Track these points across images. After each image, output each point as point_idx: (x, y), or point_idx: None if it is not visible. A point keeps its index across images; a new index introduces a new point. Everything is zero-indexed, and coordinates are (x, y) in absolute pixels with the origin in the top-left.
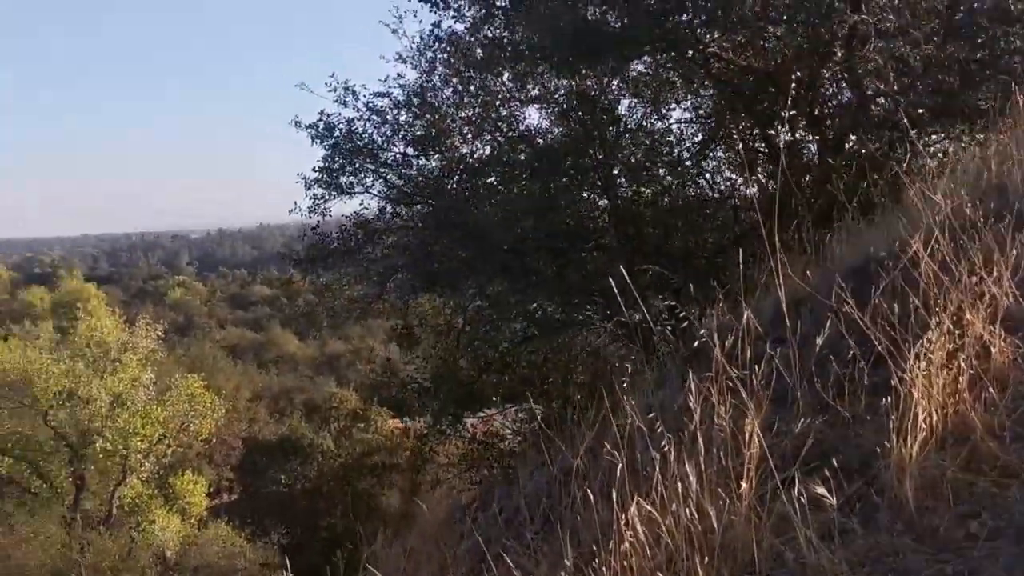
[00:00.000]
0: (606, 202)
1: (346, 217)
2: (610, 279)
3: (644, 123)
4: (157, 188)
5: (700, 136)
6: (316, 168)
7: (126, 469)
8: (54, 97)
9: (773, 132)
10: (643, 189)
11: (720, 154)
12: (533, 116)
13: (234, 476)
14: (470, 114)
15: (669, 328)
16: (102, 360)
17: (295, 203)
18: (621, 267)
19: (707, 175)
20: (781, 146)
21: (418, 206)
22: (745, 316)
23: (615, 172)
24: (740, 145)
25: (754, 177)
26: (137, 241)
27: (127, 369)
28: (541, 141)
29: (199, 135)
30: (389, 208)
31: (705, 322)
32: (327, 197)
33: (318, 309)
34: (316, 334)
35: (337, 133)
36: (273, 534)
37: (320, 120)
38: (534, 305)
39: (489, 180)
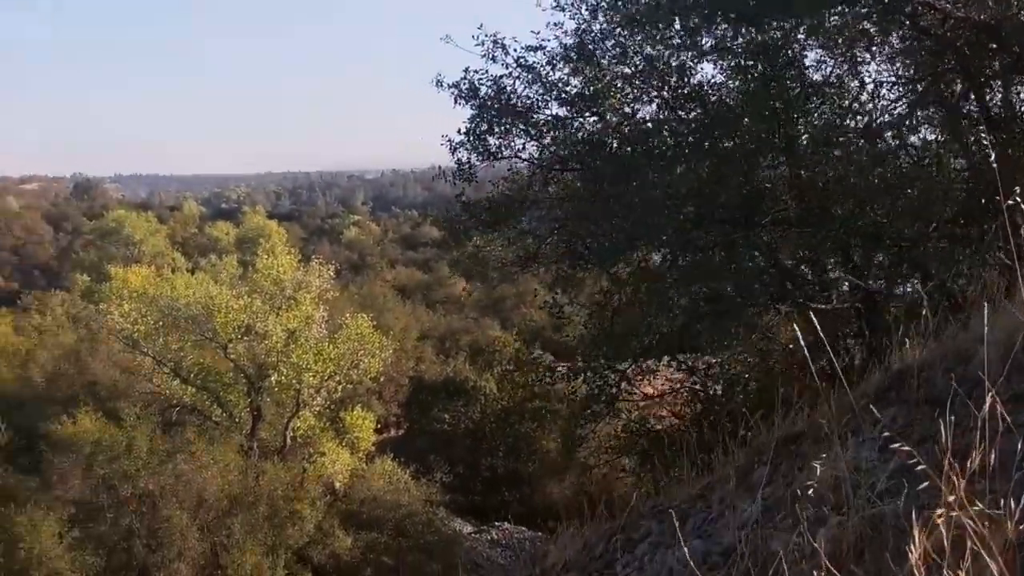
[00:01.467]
0: (786, 169)
1: (493, 184)
2: (787, 256)
3: (834, 79)
4: (337, 129)
5: (900, 97)
6: (462, 130)
7: (299, 402)
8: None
9: (989, 95)
10: (831, 156)
11: (923, 119)
12: (706, 69)
13: (401, 413)
14: (634, 69)
15: (856, 316)
16: (278, 297)
17: (439, 168)
18: (802, 244)
19: (909, 145)
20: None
21: (572, 172)
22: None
23: (799, 134)
24: (948, 110)
25: (970, 146)
26: (316, 180)
27: (301, 307)
28: (714, 97)
29: (373, 77)
30: (540, 174)
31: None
32: (473, 162)
33: (472, 272)
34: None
35: (483, 92)
36: (436, 472)
37: (464, 79)
38: (697, 285)
39: (652, 145)
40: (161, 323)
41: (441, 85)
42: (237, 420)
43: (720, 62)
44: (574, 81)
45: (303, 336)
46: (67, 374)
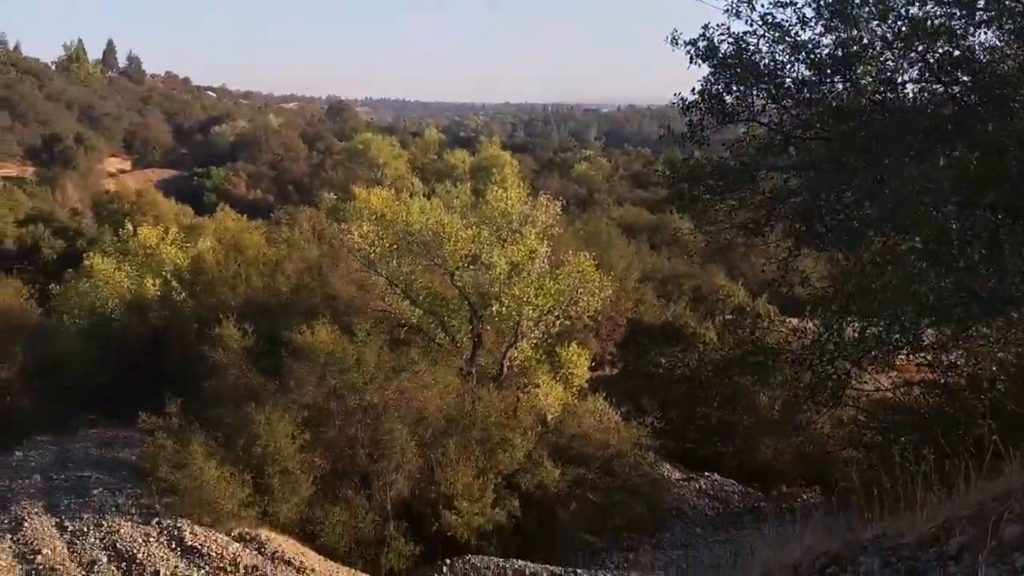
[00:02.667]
0: None
1: (725, 146)
2: None
3: None
4: (574, 61)
5: None
6: (696, 90)
7: (518, 333)
8: None
9: None
10: None
11: None
12: (980, 35)
13: (616, 352)
14: (895, 31)
15: None
16: (504, 229)
17: (668, 128)
18: None
19: None
20: None
21: (814, 141)
22: None
23: None
24: None
25: None
26: (552, 112)
27: (526, 240)
28: (986, 63)
29: (617, 12)
30: (779, 139)
31: None
32: (705, 125)
33: (697, 234)
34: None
35: (723, 51)
36: (648, 415)
37: (702, 36)
38: (951, 279)
39: (910, 119)
40: (395, 246)
41: (676, 43)
42: (459, 344)
43: (998, 26)
44: (826, 41)
45: (526, 269)
46: (309, 286)
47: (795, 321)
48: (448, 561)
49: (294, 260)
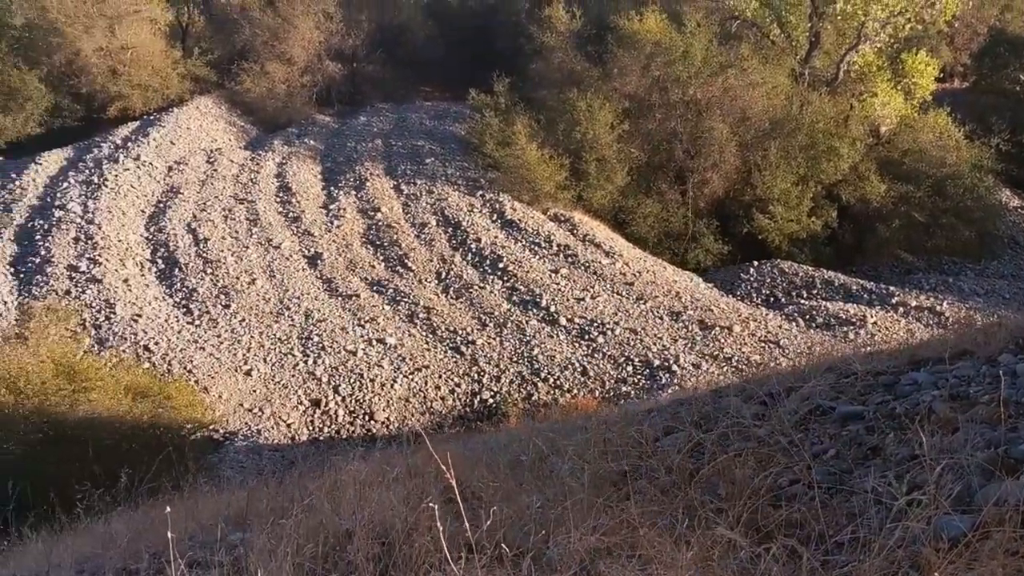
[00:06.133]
0: None
1: None
2: None
3: None
4: None
5: None
6: None
7: (861, 36)
8: None
9: None
10: None
11: None
12: None
13: (969, 64)
14: None
15: None
16: None
17: None
18: None
19: None
20: None
21: None
22: None
23: None
24: None
25: None
26: None
27: None
28: None
29: None
30: None
31: None
32: None
33: None
34: None
35: None
36: (995, 136)
37: None
38: None
39: None
40: None
41: None
42: (794, 43)
43: None
44: None
45: None
46: None
47: None
48: (756, 263)
49: None
